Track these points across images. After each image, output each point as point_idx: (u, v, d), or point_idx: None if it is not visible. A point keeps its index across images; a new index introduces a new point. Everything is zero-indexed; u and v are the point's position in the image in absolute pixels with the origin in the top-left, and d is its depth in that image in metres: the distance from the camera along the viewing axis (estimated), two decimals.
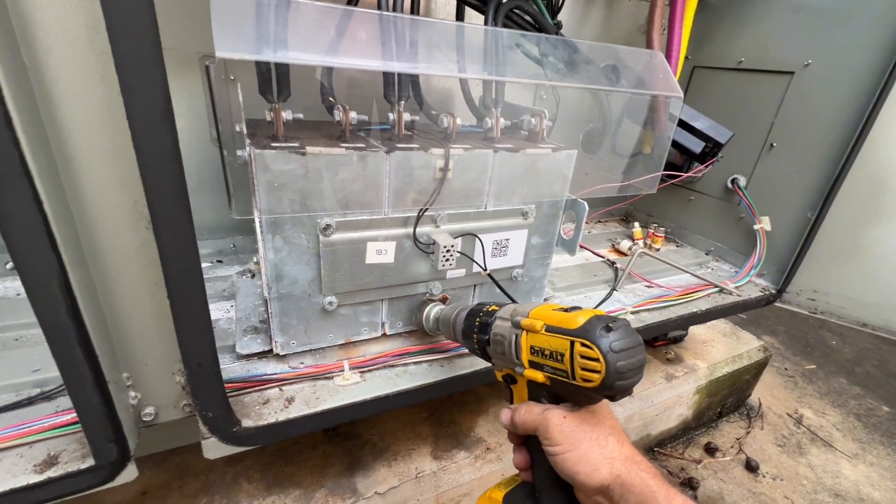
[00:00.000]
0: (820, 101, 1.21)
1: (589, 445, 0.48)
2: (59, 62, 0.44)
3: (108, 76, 0.45)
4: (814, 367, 2.23)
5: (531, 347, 0.53)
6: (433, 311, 0.85)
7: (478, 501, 0.60)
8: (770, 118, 1.31)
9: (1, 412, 0.67)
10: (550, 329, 0.51)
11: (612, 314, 0.50)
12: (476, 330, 0.65)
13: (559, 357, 0.49)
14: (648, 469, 0.47)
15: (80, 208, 0.51)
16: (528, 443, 0.56)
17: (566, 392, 0.52)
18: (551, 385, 0.52)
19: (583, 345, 0.46)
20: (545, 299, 1.11)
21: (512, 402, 0.60)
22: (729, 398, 1.77)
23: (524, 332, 0.54)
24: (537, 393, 0.55)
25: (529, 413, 0.53)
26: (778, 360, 2.24)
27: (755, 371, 1.80)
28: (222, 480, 1.02)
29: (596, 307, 0.83)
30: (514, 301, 0.72)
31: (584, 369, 0.46)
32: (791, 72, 1.25)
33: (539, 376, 0.52)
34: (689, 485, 1.49)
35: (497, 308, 0.64)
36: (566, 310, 0.52)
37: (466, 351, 0.89)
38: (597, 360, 0.45)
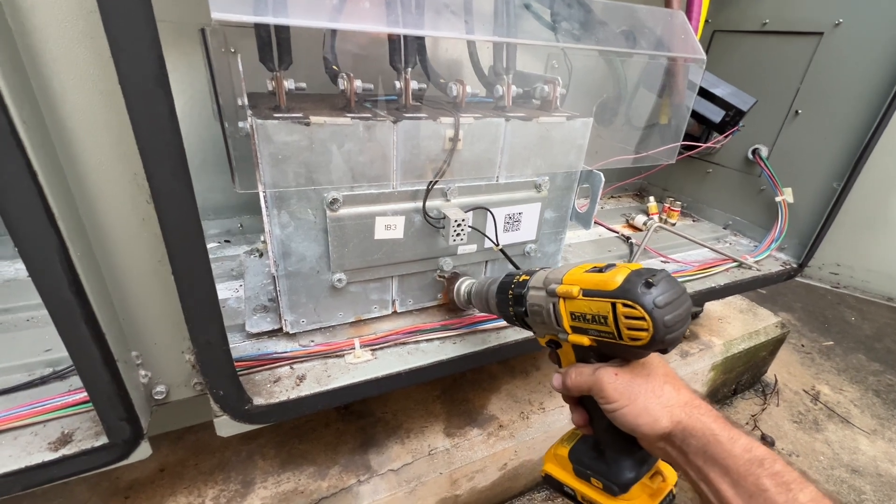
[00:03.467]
0: (851, 63, 1.14)
1: (646, 397, 0.48)
2: (45, 22, 0.42)
3: (97, 38, 0.43)
4: (831, 343, 2.18)
5: (571, 314, 0.52)
6: (463, 285, 0.83)
7: (545, 458, 0.61)
8: (796, 83, 1.25)
9: (15, 391, 0.67)
10: (588, 293, 0.49)
11: (649, 268, 0.48)
12: (511, 303, 0.64)
13: (602, 320, 0.47)
14: (709, 412, 0.46)
15: (78, 182, 0.49)
16: (584, 401, 0.55)
17: (614, 350, 0.51)
18: (598, 346, 0.51)
19: (625, 305, 0.44)
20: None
21: (560, 366, 0.59)
22: (744, 375, 1.75)
23: (561, 300, 0.53)
24: (585, 354, 0.54)
25: (581, 375, 0.52)
26: (795, 336, 2.20)
27: (772, 348, 1.77)
28: (237, 458, 1.03)
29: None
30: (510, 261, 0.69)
31: (630, 329, 0.45)
32: (820, 32, 1.18)
33: (584, 340, 0.51)
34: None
35: (528, 277, 0.62)
36: (600, 269, 0.50)
37: (479, 328, 0.88)
38: (642, 318, 0.43)
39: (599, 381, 0.50)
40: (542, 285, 0.57)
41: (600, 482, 0.53)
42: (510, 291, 0.64)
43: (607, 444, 0.53)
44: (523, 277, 0.63)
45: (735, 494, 0.41)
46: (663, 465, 0.54)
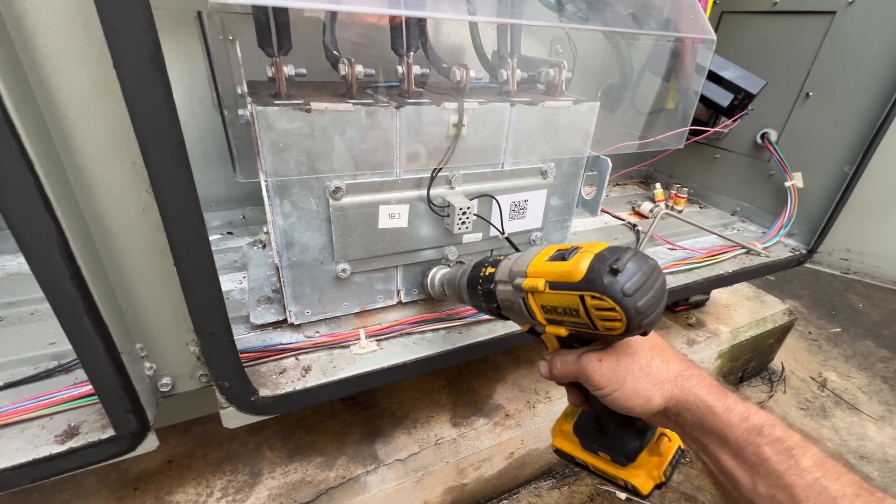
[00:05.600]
0: (864, 43, 1.10)
1: (634, 378, 0.46)
2: (36, 5, 0.40)
3: (90, 20, 0.41)
4: (839, 330, 2.17)
5: (542, 307, 0.49)
6: (437, 274, 0.81)
7: (552, 433, 0.62)
8: (806, 65, 1.22)
9: (20, 385, 0.67)
10: (554, 286, 0.46)
11: (614, 246, 0.46)
12: (482, 299, 0.62)
13: (574, 312, 0.45)
14: (702, 382, 0.45)
15: (76, 172, 0.48)
16: (576, 382, 0.54)
17: (594, 337, 0.49)
18: (577, 334, 0.49)
19: (593, 297, 0.42)
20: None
21: (548, 350, 0.58)
22: (751, 362, 1.74)
23: (529, 294, 0.50)
24: (566, 340, 0.52)
25: (565, 364, 0.51)
26: (802, 323, 2.18)
27: (779, 335, 1.75)
28: (245, 449, 1.03)
29: None
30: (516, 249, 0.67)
31: (603, 320, 0.43)
32: (832, 11, 1.15)
33: (561, 331, 0.49)
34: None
35: (494, 270, 0.60)
36: (563, 256, 0.47)
37: (483, 318, 0.87)
38: (613, 309, 0.41)
39: (584, 370, 0.49)
40: (508, 279, 0.54)
41: (608, 455, 0.53)
42: (479, 287, 0.62)
43: (607, 420, 0.53)
44: (489, 270, 0.60)
45: (736, 465, 0.41)
46: None
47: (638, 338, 0.49)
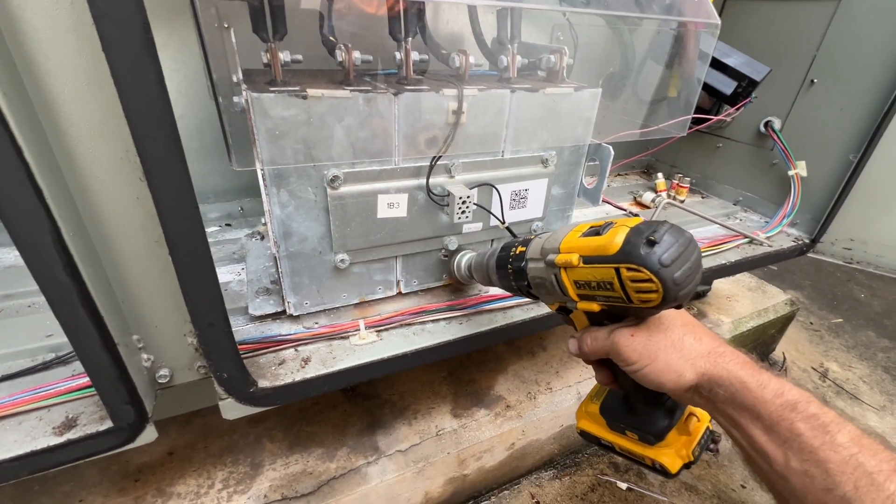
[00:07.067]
0: (870, 29, 1.08)
1: (666, 353, 0.46)
2: None
3: (78, 2, 0.40)
4: (840, 320, 2.16)
5: (575, 282, 0.49)
6: (464, 258, 0.81)
7: (576, 415, 0.61)
8: (811, 51, 1.20)
9: (18, 377, 0.67)
10: (589, 260, 0.46)
11: (648, 220, 0.46)
12: (512, 278, 0.62)
13: (608, 286, 0.45)
14: (735, 359, 0.45)
15: (68, 160, 0.47)
16: (605, 360, 0.54)
17: (627, 311, 0.49)
18: (609, 309, 0.49)
19: (629, 269, 0.42)
20: None
21: (575, 329, 0.57)
22: (752, 353, 1.73)
23: (562, 270, 0.50)
24: (597, 317, 0.52)
25: (596, 340, 0.51)
26: (803, 314, 2.17)
27: (780, 325, 1.75)
28: (245, 440, 1.03)
29: None
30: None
31: (639, 292, 0.42)
32: None
33: (594, 306, 0.49)
34: (709, 440, 1.48)
35: (524, 248, 0.60)
36: (597, 230, 0.47)
37: (485, 308, 0.86)
38: (650, 280, 0.41)
39: (616, 345, 0.48)
40: (540, 256, 0.54)
41: (635, 434, 0.53)
42: (509, 267, 0.62)
43: (636, 399, 0.53)
44: (520, 249, 0.61)
45: (768, 440, 0.40)
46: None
47: (670, 314, 0.49)
